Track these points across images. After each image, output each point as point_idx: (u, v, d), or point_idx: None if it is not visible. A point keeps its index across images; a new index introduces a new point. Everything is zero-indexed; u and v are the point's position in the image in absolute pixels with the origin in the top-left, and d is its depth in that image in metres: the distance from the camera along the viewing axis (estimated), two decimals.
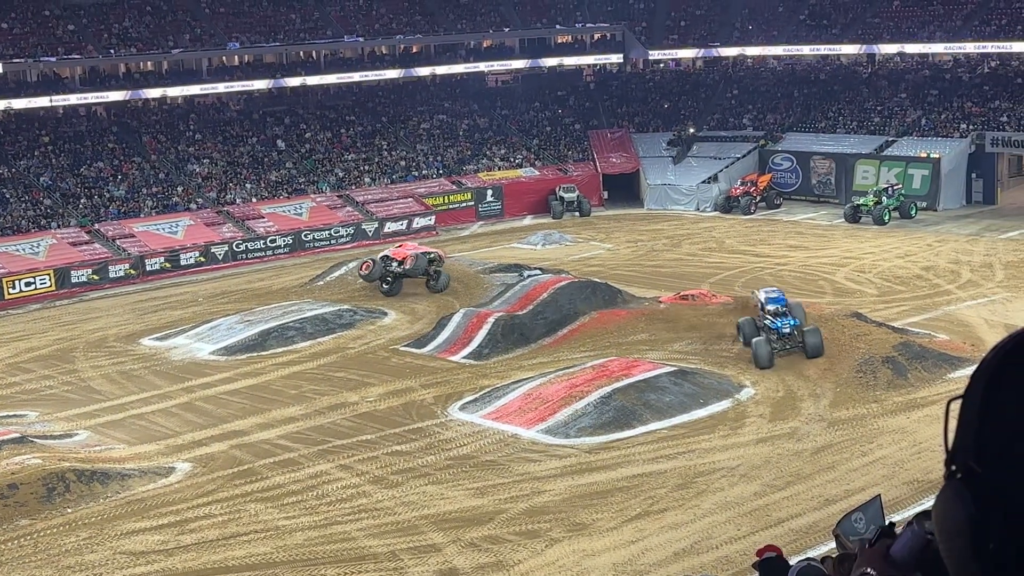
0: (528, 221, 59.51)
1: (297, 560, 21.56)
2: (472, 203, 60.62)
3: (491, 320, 36.29)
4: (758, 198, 59.49)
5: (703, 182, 61.49)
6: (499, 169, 63.21)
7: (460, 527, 22.67)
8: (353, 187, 59.08)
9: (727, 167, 62.02)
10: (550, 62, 69.95)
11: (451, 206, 59.81)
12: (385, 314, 39.92)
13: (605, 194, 63.65)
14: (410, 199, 58.68)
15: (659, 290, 40.72)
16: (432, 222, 57.47)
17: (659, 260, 48.88)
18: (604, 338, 35.48)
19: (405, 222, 56.70)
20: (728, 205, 59.48)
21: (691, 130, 65.66)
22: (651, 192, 62.66)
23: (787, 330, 31.59)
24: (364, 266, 43.04)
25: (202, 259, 51.15)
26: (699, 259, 48.43)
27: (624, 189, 63.40)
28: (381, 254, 43.57)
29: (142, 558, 22.07)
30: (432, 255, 43.05)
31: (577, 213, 60.44)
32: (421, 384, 32.28)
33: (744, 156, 62.80)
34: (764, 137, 63.82)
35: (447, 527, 22.71)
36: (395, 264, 42.12)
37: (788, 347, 31.61)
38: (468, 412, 29.83)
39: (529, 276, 40.78)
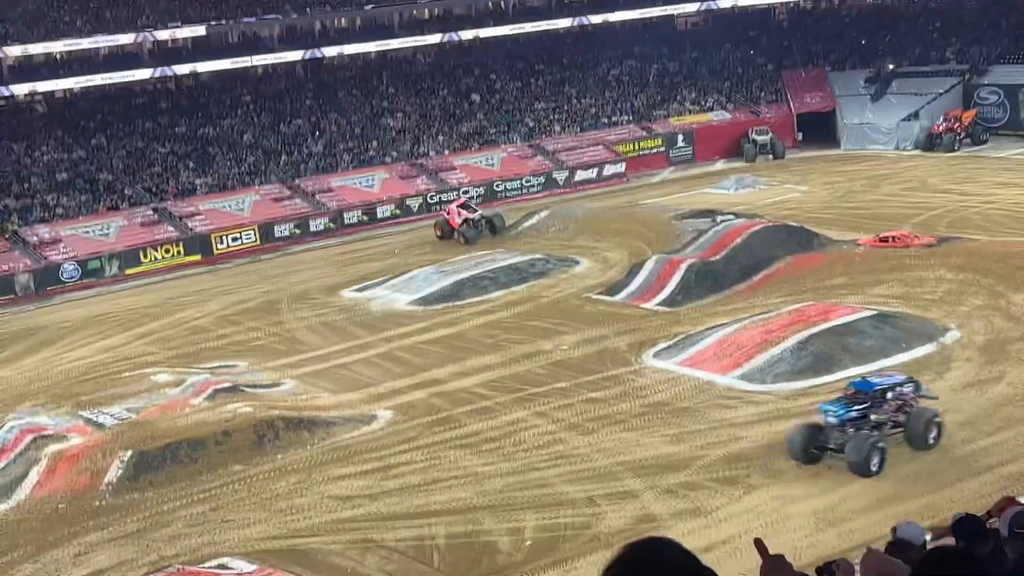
0: (720, 165, 58.63)
1: (496, 505, 21.93)
2: (663, 149, 60.06)
3: (684, 267, 35.98)
4: (963, 134, 57.22)
5: (903, 120, 59.44)
6: (690, 113, 62.37)
7: (656, 474, 22.66)
8: (543, 136, 59.21)
9: (929, 103, 59.76)
10: (741, 1, 68.37)
11: (641, 152, 59.38)
12: (577, 262, 40.02)
13: (800, 135, 62.19)
14: (600, 147, 58.50)
15: (857, 232, 39.61)
16: (622, 169, 57.20)
17: (857, 202, 47.52)
18: (800, 283, 34.78)
19: (595, 170, 56.59)
20: (930, 143, 57.39)
21: (890, 66, 63.39)
22: (848, 132, 60.90)
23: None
24: (436, 230, 47.02)
25: (397, 212, 52.18)
26: (900, 199, 46.88)
27: (820, 129, 61.77)
28: (442, 216, 47.74)
29: (348, 502, 22.81)
30: (479, 218, 46.38)
31: (771, 156, 59.24)
32: (614, 332, 32.28)
33: (947, 91, 60.36)
34: (968, 71, 61.16)
35: (643, 474, 22.74)
36: (455, 233, 46.28)
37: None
38: (662, 359, 29.71)
39: (722, 221, 40.24)
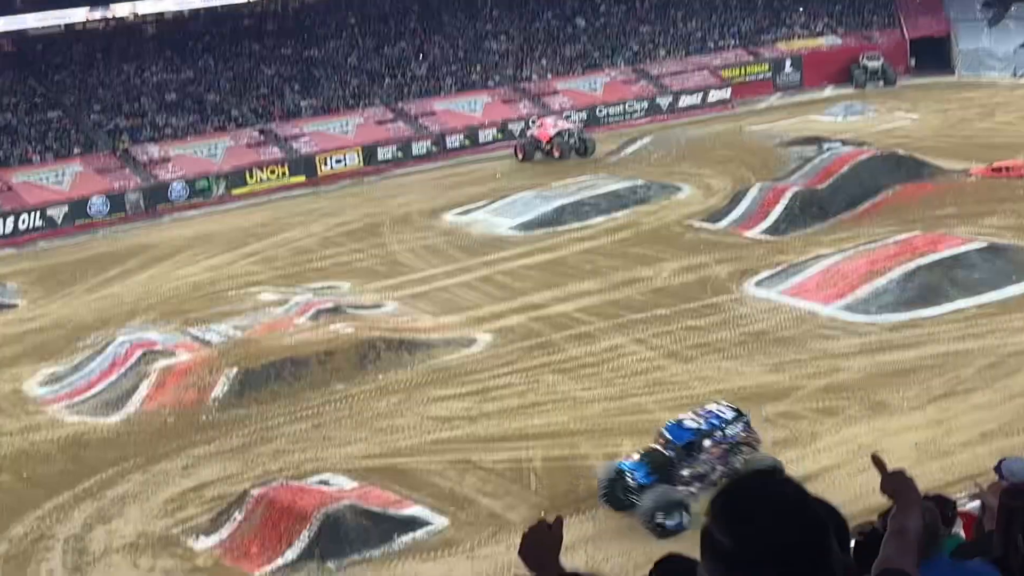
0: (828, 92, 57.37)
1: (594, 430, 22.04)
2: (769, 74, 58.94)
3: (788, 194, 35.43)
4: None
5: (1021, 46, 57.48)
6: (798, 38, 61.00)
7: (755, 403, 22.50)
8: (647, 61, 58.45)
9: None
10: None
11: (747, 78, 58.33)
12: (679, 189, 39.66)
13: (912, 61, 60.52)
14: (705, 72, 57.59)
15: (969, 162, 38.60)
16: (728, 95, 56.27)
17: (970, 130, 46.24)
18: (908, 212, 34.05)
19: (699, 95, 55.77)
20: None
21: None
22: (963, 58, 59.11)
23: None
24: (518, 150, 46.78)
25: (499, 136, 52.05)
26: (1015, 128, 45.48)
27: (933, 55, 60.01)
28: (530, 132, 47.80)
29: (447, 423, 23.10)
30: (574, 131, 46.24)
31: (881, 82, 57.79)
32: (715, 259, 32.01)
33: None
34: None
35: (742, 402, 22.60)
36: (543, 145, 46.22)
37: None
38: (764, 288, 29.41)
39: (829, 149, 39.49)
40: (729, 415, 19.10)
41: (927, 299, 27.10)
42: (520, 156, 47.14)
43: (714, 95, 56.00)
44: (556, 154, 45.96)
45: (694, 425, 18.96)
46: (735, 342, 26.01)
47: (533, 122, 50.10)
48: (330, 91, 53.71)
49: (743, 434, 19.04)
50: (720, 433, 18.84)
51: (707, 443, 18.73)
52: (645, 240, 34.70)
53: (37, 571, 18.84)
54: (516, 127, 52.12)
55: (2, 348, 30.82)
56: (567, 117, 50.00)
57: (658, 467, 18.56)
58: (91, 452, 23.52)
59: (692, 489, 18.49)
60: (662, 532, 17.87)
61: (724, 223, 35.34)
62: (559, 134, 46.43)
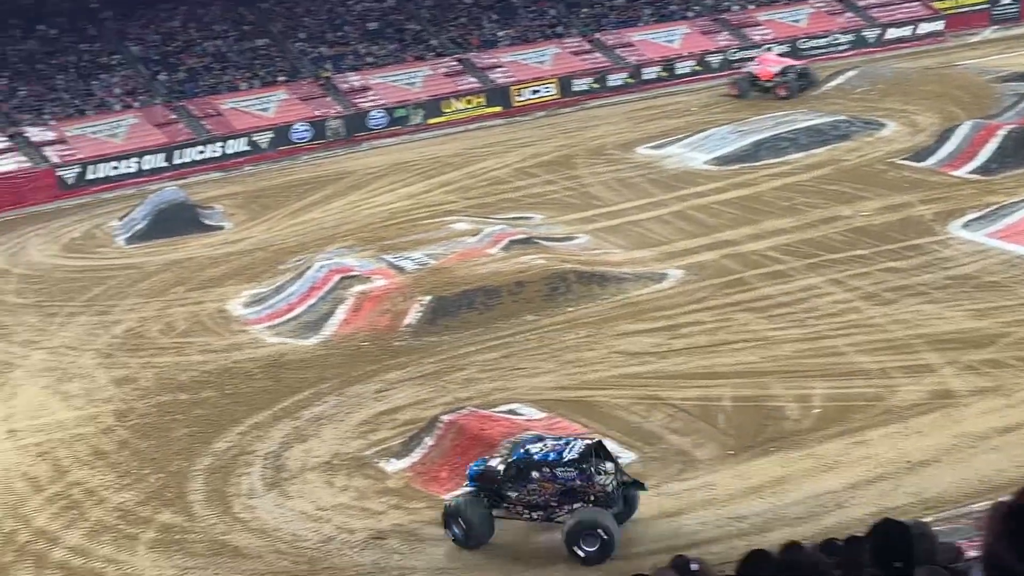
0: None
1: (785, 371, 21.64)
2: (985, 6, 56.03)
3: (1001, 133, 33.79)
4: None
5: None
6: None
7: (957, 349, 21.74)
8: None
9: None
10: None
11: (960, 9, 55.62)
12: (883, 125, 38.31)
13: None
14: (916, 3, 55.18)
15: None
16: (940, 27, 53.85)
17: None
18: None
19: (909, 28, 53.54)
20: None
21: None
22: None
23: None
24: (731, 88, 44.92)
25: (698, 68, 51.12)
26: None
27: None
28: (745, 69, 45.75)
29: (635, 358, 23.03)
30: (799, 68, 44.41)
31: None
32: (920, 199, 30.86)
33: None
34: None
35: (943, 348, 21.86)
36: (761, 84, 44.37)
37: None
38: (971, 230, 28.23)
39: None
40: (573, 455, 16.74)
41: None
42: (735, 93, 45.35)
43: (924, 27, 53.66)
44: (782, 93, 43.82)
45: (536, 449, 17.18)
46: (937, 286, 25.08)
47: (738, 57, 48.58)
48: (528, 21, 53.61)
49: (577, 482, 16.60)
50: (547, 470, 16.72)
51: (535, 474, 16.81)
52: (845, 178, 33.68)
53: (238, 484, 19.65)
54: (715, 59, 51.07)
55: (209, 269, 32.11)
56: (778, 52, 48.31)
57: (485, 478, 17.18)
58: (289, 372, 24.34)
59: (525, 514, 16.99)
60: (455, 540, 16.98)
61: (930, 161, 34.00)
62: (783, 71, 44.60)
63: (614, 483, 16.77)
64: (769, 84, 44.55)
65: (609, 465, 17.00)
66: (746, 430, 19.62)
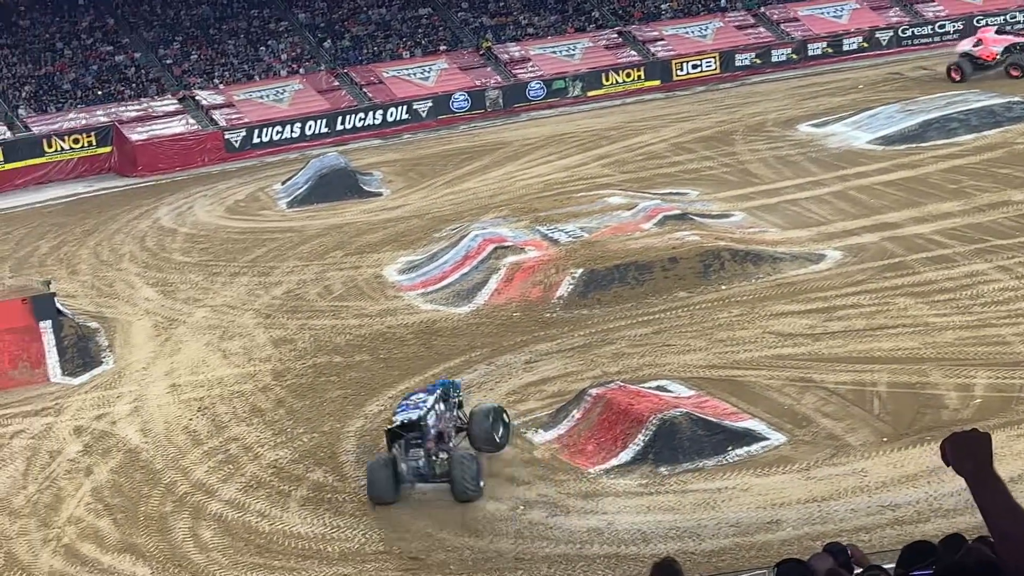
0: None
1: (945, 359, 21.00)
2: None
3: None
4: None
5: None
6: None
7: None
8: None
9: None
10: None
11: None
12: None
13: None
14: None
15: None
16: None
17: None
18: None
19: None
20: None
21: None
22: None
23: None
24: (953, 71, 42.35)
25: (865, 44, 49.88)
26: None
27: None
28: (962, 51, 43.00)
29: (789, 340, 22.64)
30: (1018, 43, 41.65)
31: None
32: None
33: None
34: None
35: None
36: (983, 64, 41.98)
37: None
38: None
39: None
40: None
41: None
42: (957, 78, 42.28)
43: None
44: (1015, 74, 41.45)
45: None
46: None
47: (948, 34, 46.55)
48: None
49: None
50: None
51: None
52: (1018, 161, 32.44)
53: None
54: (884, 36, 49.70)
55: (366, 234, 32.67)
56: (1003, 26, 46.12)
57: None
58: (441, 340, 24.63)
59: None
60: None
61: None
62: (1007, 50, 42.23)
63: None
64: (991, 64, 42.20)
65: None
66: (902, 417, 19.11)
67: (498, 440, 18.85)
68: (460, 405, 19.51)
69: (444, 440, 18.35)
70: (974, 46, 43.12)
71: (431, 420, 18.32)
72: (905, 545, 4.78)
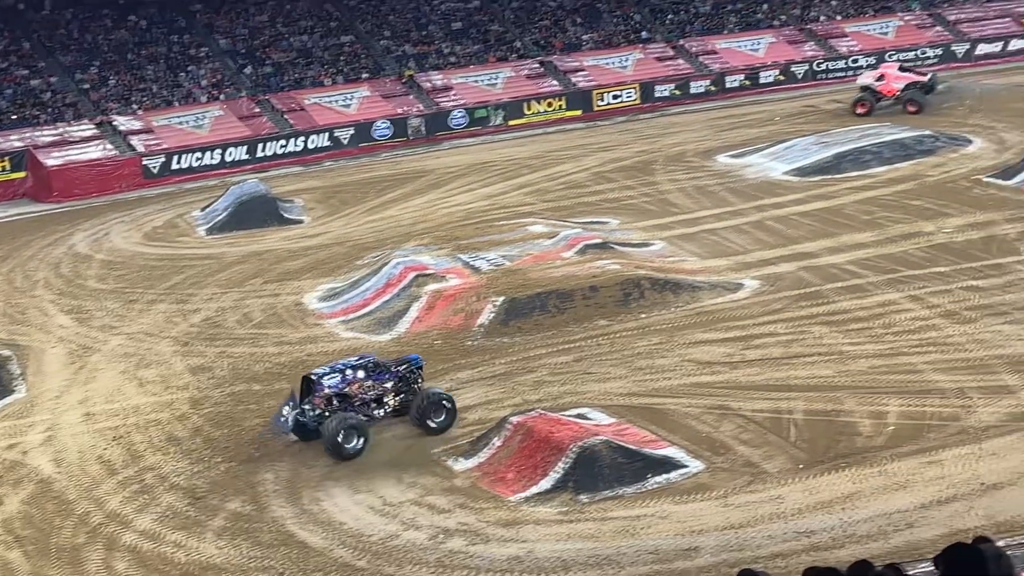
0: None
1: (859, 386, 21.37)
2: None
3: None
4: None
5: None
6: None
7: None
8: (945, 5, 55.57)
9: None
10: None
11: None
12: (970, 142, 37.77)
13: None
14: (1007, 19, 54.28)
15: None
16: None
17: None
18: None
19: (1000, 44, 52.71)
20: None
21: None
22: None
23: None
24: (860, 106, 43.23)
25: (781, 78, 50.77)
26: None
27: None
28: (863, 84, 44.30)
29: (708, 368, 22.88)
30: (918, 82, 43.15)
31: None
32: (1006, 218, 30.33)
33: None
34: None
35: (1023, 370, 21.46)
36: (882, 98, 43.25)
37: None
38: None
39: None
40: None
41: None
42: (862, 111, 43.18)
43: (1016, 44, 52.81)
44: (912, 110, 42.74)
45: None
46: (1019, 306, 24.60)
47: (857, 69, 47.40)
48: (612, 25, 53.56)
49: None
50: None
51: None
52: (928, 193, 33.22)
53: (308, 477, 19.83)
54: (800, 69, 50.63)
55: (287, 261, 32.48)
56: (903, 63, 47.44)
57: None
58: None
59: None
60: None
61: (1017, 180, 33.40)
62: (908, 87, 43.38)
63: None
64: (889, 99, 43.29)
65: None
66: (817, 444, 19.40)
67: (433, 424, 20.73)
68: (413, 382, 21.27)
69: (350, 403, 20.47)
70: (876, 80, 44.23)
71: (331, 382, 20.46)
72: (807, 568, 4.86)
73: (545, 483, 18.55)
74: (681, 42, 52.45)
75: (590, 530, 17.35)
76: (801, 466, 18.72)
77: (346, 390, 20.54)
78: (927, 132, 38.34)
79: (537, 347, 24.48)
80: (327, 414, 20.21)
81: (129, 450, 21.50)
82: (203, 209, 38.53)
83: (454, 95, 48.30)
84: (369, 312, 27.40)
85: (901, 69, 44.80)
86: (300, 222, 36.89)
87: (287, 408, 20.03)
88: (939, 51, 52.31)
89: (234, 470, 20.26)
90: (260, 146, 45.24)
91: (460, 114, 47.46)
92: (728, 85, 50.32)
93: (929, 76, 44.11)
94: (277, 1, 52.12)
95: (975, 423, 19.61)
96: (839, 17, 54.61)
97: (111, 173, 43.55)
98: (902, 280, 26.64)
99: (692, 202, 34.73)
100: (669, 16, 54.41)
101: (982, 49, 52.45)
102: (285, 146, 45.55)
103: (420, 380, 21.45)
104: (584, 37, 52.64)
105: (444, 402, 20.97)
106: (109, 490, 19.91)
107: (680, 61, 51.30)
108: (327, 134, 45.95)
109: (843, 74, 51.06)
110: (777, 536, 16.73)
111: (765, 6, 55.22)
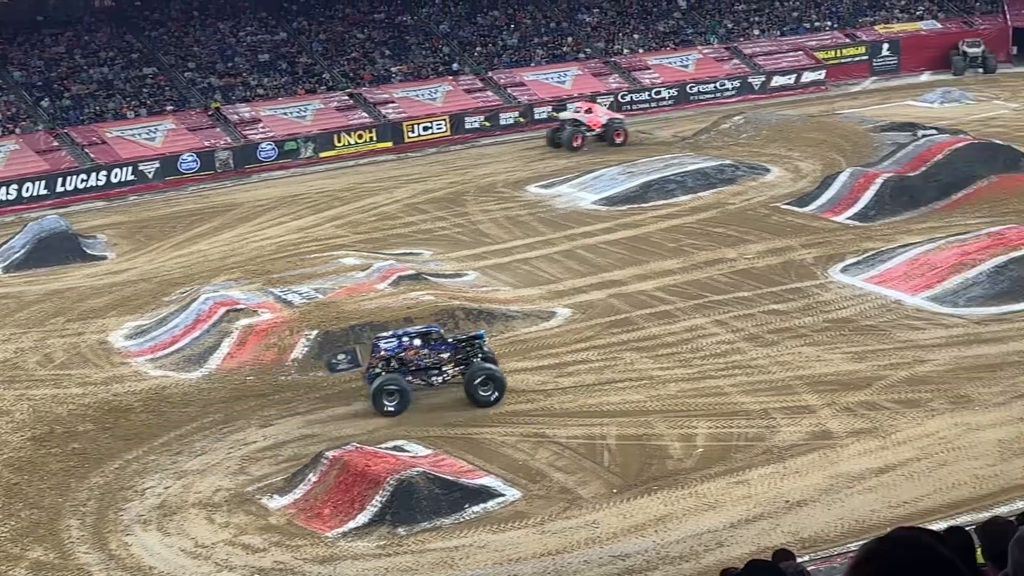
0: (925, 77, 56.24)
1: (669, 410, 21.90)
2: (866, 57, 57.87)
3: (880, 181, 34.81)
4: None
5: None
6: (897, 22, 59.80)
7: (836, 391, 22.25)
8: (742, 39, 57.70)
9: None
10: None
11: (843, 60, 57.35)
12: (768, 171, 39.19)
13: (1014, 49, 59.05)
14: (800, 52, 56.71)
15: None
16: (822, 77, 55.42)
17: None
18: (1003, 204, 33.33)
19: (793, 76, 54.99)
20: None
21: None
22: None
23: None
24: (576, 139, 45.28)
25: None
26: None
27: None
28: (569, 118, 46.42)
29: (522, 396, 23.09)
30: (618, 121, 45.94)
31: (981, 69, 56.52)
32: (802, 243, 31.60)
33: None
34: None
35: (822, 390, 22.36)
36: (588, 129, 45.68)
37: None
38: (850, 275, 28.98)
39: (924, 136, 38.70)
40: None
41: (1018, 294, 26.50)
42: (578, 144, 45.14)
43: (808, 76, 55.18)
44: (619, 140, 45.29)
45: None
46: (818, 328, 25.67)
47: (562, 107, 48.83)
48: (420, 58, 53.78)
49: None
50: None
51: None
52: (730, 221, 34.35)
53: (115, 521, 19.19)
54: (605, 101, 51.75)
55: (90, 299, 31.43)
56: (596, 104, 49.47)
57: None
58: (171, 407, 23.89)
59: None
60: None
61: (812, 207, 34.86)
62: (610, 121, 46.04)
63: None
64: (595, 131, 45.71)
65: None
66: (630, 469, 19.79)
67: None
68: (473, 355, 23.02)
69: (407, 367, 22.75)
70: (585, 113, 46.42)
71: (388, 345, 22.89)
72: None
73: (362, 517, 18.41)
74: (490, 74, 53.04)
75: (408, 563, 17.27)
76: (615, 490, 19.04)
77: (402, 355, 22.76)
78: (727, 161, 39.63)
79: (353, 380, 24.27)
80: (382, 373, 22.56)
81: None
82: None
83: (263, 127, 47.68)
84: (178, 349, 26.73)
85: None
86: (104, 258, 35.77)
87: (343, 356, 23.62)
88: (737, 83, 54.25)
89: (36, 516, 19.45)
90: (60, 180, 43.71)
91: (269, 146, 46.87)
92: (537, 116, 51.08)
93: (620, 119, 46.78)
94: (74, 32, 50.60)
95: (779, 442, 20.32)
96: (641, 50, 56.10)
97: None
98: (708, 305, 27.45)
99: (504, 232, 35.08)
100: (478, 48, 54.96)
101: (777, 81, 54.61)
102: (87, 180, 44.13)
103: (479, 355, 23.00)
104: (393, 69, 52.71)
105: (494, 378, 22.56)
106: None
107: (489, 93, 51.85)
108: (131, 168, 44.70)
109: (647, 106, 52.44)
110: (593, 561, 16.97)
111: (570, 39, 56.33)
